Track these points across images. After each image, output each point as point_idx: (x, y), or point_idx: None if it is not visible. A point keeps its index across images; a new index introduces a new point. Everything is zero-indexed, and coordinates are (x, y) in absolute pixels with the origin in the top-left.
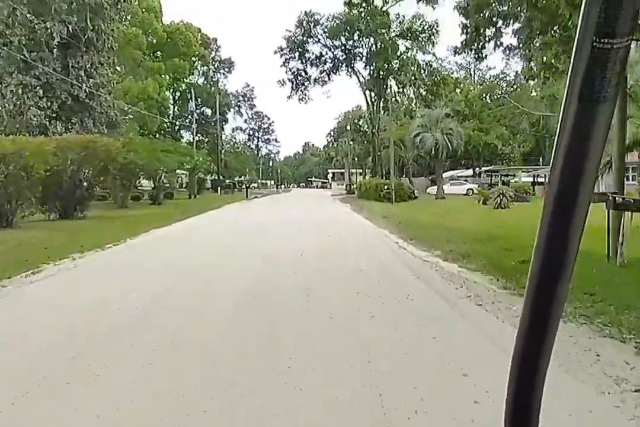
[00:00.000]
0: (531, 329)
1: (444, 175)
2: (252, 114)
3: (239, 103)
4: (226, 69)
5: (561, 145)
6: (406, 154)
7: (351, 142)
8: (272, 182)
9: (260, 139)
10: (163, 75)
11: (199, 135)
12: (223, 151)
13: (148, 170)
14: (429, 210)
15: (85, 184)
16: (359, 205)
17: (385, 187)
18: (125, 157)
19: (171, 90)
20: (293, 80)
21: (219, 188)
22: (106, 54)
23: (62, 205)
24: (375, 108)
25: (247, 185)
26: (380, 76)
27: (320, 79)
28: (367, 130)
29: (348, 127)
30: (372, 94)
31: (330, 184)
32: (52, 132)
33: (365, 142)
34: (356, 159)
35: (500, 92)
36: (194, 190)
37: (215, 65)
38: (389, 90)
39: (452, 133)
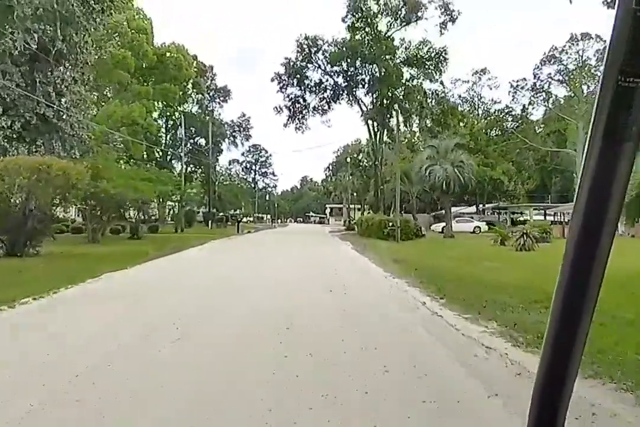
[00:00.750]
0: (555, 353)
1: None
2: (249, 146)
3: (234, 133)
4: (221, 98)
5: (585, 183)
6: (411, 188)
7: (350, 177)
8: (269, 216)
9: (257, 172)
10: (151, 100)
11: (191, 165)
12: (217, 183)
13: (123, 200)
14: (444, 253)
15: (38, 214)
16: (362, 245)
17: (390, 224)
18: (97, 185)
19: (164, 119)
20: (290, 107)
21: (210, 221)
22: (80, 70)
23: (10, 239)
24: (378, 139)
25: (239, 219)
26: (384, 104)
27: (320, 107)
28: (367, 164)
29: (348, 160)
30: (375, 123)
31: (328, 220)
32: (13, 155)
33: (365, 176)
34: (355, 194)
35: (506, 127)
36: (181, 223)
37: (211, 94)
38: (393, 119)
39: (463, 166)
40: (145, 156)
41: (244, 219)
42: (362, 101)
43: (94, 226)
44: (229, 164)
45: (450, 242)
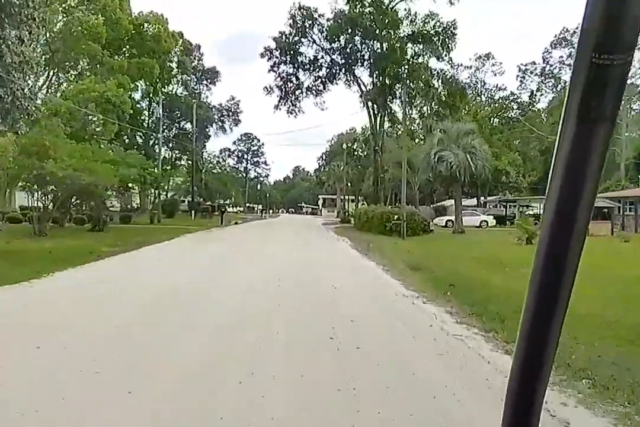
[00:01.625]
0: (528, 352)
1: (445, 204)
2: (241, 135)
3: (222, 118)
4: (209, 80)
5: (558, 167)
6: (414, 177)
7: (345, 166)
8: (260, 206)
9: (249, 162)
10: (125, 75)
11: (176, 151)
12: (204, 171)
13: (77, 184)
14: (467, 254)
15: None
16: (363, 242)
17: (396, 217)
18: (42, 166)
19: (147, 101)
20: (282, 87)
21: (192, 211)
22: (27, 28)
23: None
24: (378, 122)
25: (223, 210)
26: (386, 84)
27: (314, 88)
28: (362, 154)
29: (344, 146)
30: (375, 106)
31: (321, 211)
32: None
33: (360, 166)
34: (350, 184)
35: (511, 115)
36: (158, 213)
37: (198, 75)
38: (396, 100)
39: (476, 152)
40: (126, 140)
41: (234, 209)
42: (361, 80)
43: (40, 215)
44: (220, 153)
45: (463, 239)
